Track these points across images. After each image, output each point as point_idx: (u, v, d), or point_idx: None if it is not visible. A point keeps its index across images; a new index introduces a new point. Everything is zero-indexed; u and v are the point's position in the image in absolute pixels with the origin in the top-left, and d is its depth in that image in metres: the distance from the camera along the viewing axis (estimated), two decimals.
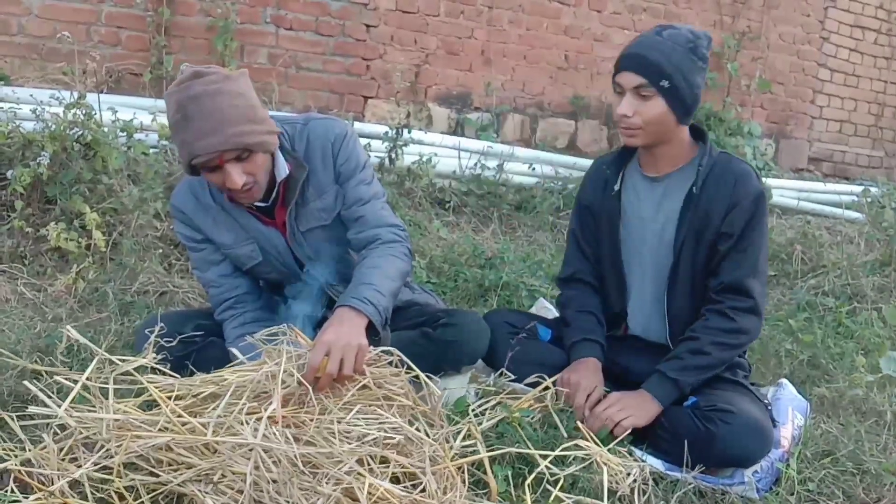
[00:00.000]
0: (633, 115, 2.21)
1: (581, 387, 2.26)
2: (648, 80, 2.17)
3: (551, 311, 2.93)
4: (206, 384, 1.94)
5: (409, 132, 4.56)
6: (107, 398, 1.79)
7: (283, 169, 2.24)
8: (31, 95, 3.42)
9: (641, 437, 2.19)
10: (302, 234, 2.34)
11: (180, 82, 2.05)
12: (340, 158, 2.33)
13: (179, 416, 1.78)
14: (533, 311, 2.97)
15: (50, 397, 1.74)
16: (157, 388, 1.87)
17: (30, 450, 1.72)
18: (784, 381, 2.62)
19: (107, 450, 1.70)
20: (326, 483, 1.66)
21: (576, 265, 2.53)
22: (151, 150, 3.64)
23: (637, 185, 2.40)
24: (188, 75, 2.05)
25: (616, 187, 2.40)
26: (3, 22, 4.27)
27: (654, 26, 2.26)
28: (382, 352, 2.06)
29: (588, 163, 5.11)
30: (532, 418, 2.11)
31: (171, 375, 1.97)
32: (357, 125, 4.46)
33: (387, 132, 4.45)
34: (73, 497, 1.63)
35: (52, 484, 1.63)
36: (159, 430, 1.74)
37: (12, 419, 1.78)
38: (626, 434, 2.14)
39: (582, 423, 2.18)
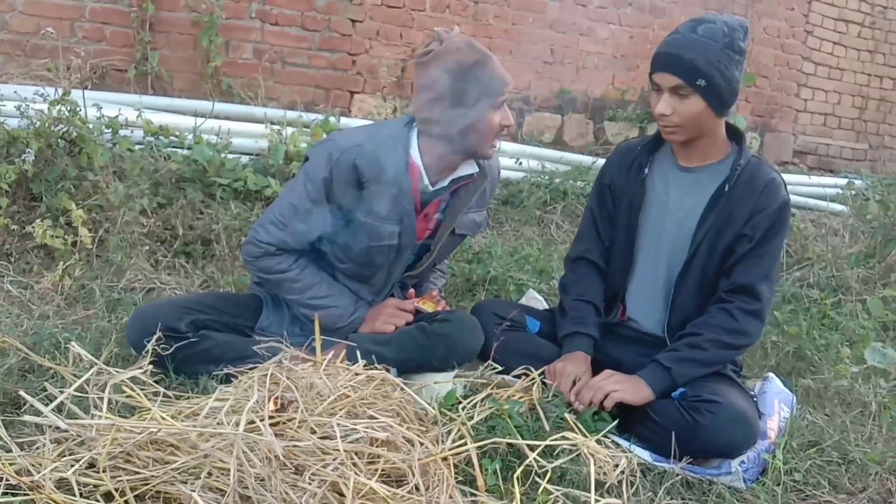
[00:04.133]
0: (671, 113, 2.22)
1: (567, 372, 2.28)
2: (685, 81, 2.18)
3: (540, 303, 2.94)
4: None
5: None
6: (100, 404, 1.82)
7: (472, 167, 2.45)
8: (16, 92, 3.39)
9: (628, 429, 2.21)
10: (450, 236, 2.52)
11: (450, 39, 2.32)
12: (495, 189, 2.68)
13: (165, 419, 1.81)
14: (522, 302, 2.98)
15: (46, 404, 1.76)
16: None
17: (20, 452, 1.73)
18: (771, 374, 2.64)
19: (96, 452, 1.71)
20: (311, 480, 1.67)
21: (587, 244, 2.55)
22: (137, 147, 3.63)
23: (667, 172, 2.41)
24: (454, 32, 2.35)
25: (645, 171, 2.41)
26: None
27: (689, 20, 2.25)
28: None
29: (574, 157, 5.22)
30: (520, 409, 2.12)
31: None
32: (343, 120, 4.45)
33: None
34: (60, 494, 1.63)
35: (42, 484, 1.63)
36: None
37: None
38: (612, 404, 2.18)
39: (569, 406, 2.21)
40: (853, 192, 5.81)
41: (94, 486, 1.68)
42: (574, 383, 2.27)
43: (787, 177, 6.24)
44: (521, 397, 2.21)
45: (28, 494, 1.63)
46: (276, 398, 1.86)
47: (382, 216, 2.38)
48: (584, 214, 2.63)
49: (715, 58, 2.16)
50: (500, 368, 2.36)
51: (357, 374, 2.05)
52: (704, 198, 2.33)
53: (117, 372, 1.98)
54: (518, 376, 2.32)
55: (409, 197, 2.39)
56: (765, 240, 2.27)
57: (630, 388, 2.21)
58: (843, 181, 6.16)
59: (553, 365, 2.34)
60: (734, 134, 2.38)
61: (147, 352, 2.09)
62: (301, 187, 2.38)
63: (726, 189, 2.29)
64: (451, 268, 3.45)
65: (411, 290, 2.59)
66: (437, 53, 2.31)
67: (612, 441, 2.16)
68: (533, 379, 2.28)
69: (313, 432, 1.81)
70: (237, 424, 1.70)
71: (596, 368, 2.35)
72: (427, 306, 2.52)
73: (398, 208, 2.39)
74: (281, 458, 1.68)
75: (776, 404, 2.41)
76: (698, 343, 2.26)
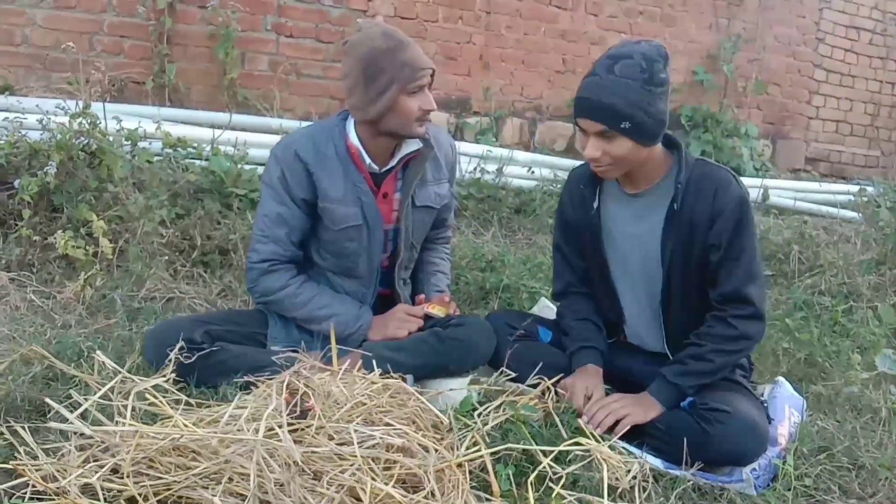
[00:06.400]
0: (601, 155, 2.18)
1: (577, 388, 2.30)
2: (608, 126, 2.13)
3: (553, 312, 2.96)
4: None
5: None
6: (124, 411, 1.87)
7: (416, 143, 2.50)
8: (37, 106, 3.46)
9: (639, 439, 2.23)
10: (413, 209, 2.56)
11: (367, 28, 2.42)
12: (455, 165, 2.75)
13: (187, 425, 1.85)
14: (535, 311, 3.01)
15: (71, 411, 1.81)
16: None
17: (47, 457, 1.77)
18: (781, 378, 2.66)
19: (120, 458, 1.75)
20: (329, 486, 1.71)
21: (566, 278, 2.57)
22: (155, 158, 3.69)
23: (616, 201, 2.39)
24: (374, 22, 2.40)
25: (595, 204, 2.39)
26: (8, 32, 4.32)
27: (606, 56, 2.17)
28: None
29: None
30: (535, 415, 2.15)
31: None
32: None
33: None
34: (84, 499, 1.68)
35: (67, 490, 1.68)
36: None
37: (25, 430, 1.84)
38: (624, 430, 2.19)
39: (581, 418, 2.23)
40: (865, 199, 5.81)
41: (118, 491, 1.71)
42: (587, 397, 2.30)
43: (798, 184, 6.30)
44: (535, 404, 2.24)
45: (54, 499, 1.68)
46: (291, 393, 1.91)
47: (339, 198, 2.45)
48: (553, 251, 2.63)
49: (636, 98, 2.10)
50: (513, 375, 2.38)
51: (374, 383, 2.09)
52: (659, 219, 2.30)
53: (140, 380, 2.02)
54: (532, 385, 2.35)
55: (358, 176, 2.47)
56: (734, 242, 2.22)
57: (640, 411, 2.23)
58: (855, 188, 6.16)
59: (565, 381, 2.36)
60: (671, 143, 2.33)
61: (169, 360, 2.14)
62: (265, 197, 2.49)
63: (675, 207, 2.25)
64: (465, 276, 3.49)
65: (421, 296, 2.63)
66: (352, 42, 2.42)
67: (624, 448, 2.18)
68: (547, 387, 2.31)
69: (331, 439, 1.84)
70: (257, 431, 1.74)
71: (606, 378, 2.38)
72: (437, 311, 2.55)
73: (352, 188, 2.46)
74: (300, 463, 1.71)
75: (786, 409, 2.43)
76: (702, 355, 2.26)
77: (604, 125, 2.13)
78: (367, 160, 2.47)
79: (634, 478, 1.98)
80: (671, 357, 2.38)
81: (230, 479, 1.73)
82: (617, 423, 2.21)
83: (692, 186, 2.25)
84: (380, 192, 2.52)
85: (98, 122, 3.29)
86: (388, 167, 2.51)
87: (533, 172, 4.99)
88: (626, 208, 2.37)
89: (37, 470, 1.73)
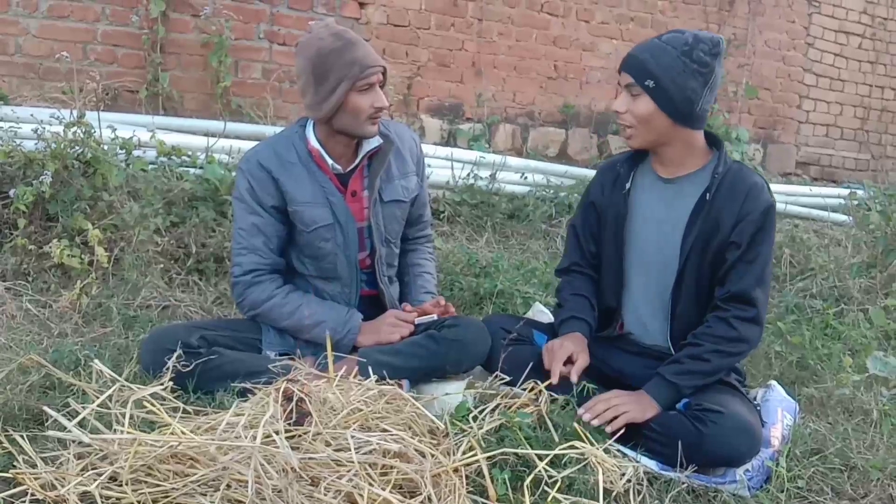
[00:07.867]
0: (625, 111, 2.30)
1: (564, 347, 2.35)
2: (635, 80, 2.26)
3: (547, 316, 2.98)
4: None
5: None
6: (122, 419, 1.88)
7: (374, 139, 2.52)
8: (32, 115, 3.47)
9: (635, 439, 2.24)
10: (381, 204, 2.57)
11: (317, 29, 2.42)
12: (422, 159, 2.75)
13: (185, 433, 1.86)
14: (528, 315, 3.02)
15: (69, 420, 1.82)
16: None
17: (45, 466, 1.78)
18: (773, 382, 2.68)
19: (118, 465, 1.76)
20: (327, 491, 1.72)
21: (573, 257, 2.61)
22: (150, 167, 3.70)
23: (649, 185, 2.44)
24: (323, 23, 2.47)
25: (627, 185, 2.44)
26: (1, 42, 4.33)
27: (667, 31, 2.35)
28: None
29: (579, 171, 5.28)
30: (529, 420, 2.16)
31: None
32: None
33: None
34: None
35: (66, 498, 1.69)
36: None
37: (23, 438, 1.85)
38: (621, 431, 2.20)
39: (557, 384, 2.28)
40: (855, 203, 5.83)
41: (117, 498, 1.73)
42: (570, 360, 2.33)
43: (789, 188, 6.33)
44: (529, 408, 2.25)
45: None
46: (288, 400, 1.92)
47: (307, 201, 2.49)
48: (568, 229, 2.68)
49: (667, 62, 2.23)
50: (508, 379, 2.39)
51: (369, 389, 2.10)
52: (687, 208, 2.35)
53: (138, 388, 2.03)
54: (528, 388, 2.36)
55: (323, 177, 2.51)
56: (753, 245, 2.29)
57: (637, 409, 2.24)
58: (846, 191, 6.18)
59: (550, 342, 2.40)
60: (714, 142, 2.41)
61: (167, 368, 2.15)
62: (238, 211, 2.53)
63: (707, 198, 2.32)
64: (459, 282, 3.51)
65: (406, 305, 2.64)
66: (302, 43, 2.45)
67: (619, 450, 2.20)
68: (540, 389, 2.32)
69: (328, 445, 1.86)
70: (254, 438, 1.75)
71: (599, 379, 2.38)
72: (430, 315, 2.57)
73: (319, 190, 2.50)
74: (297, 470, 1.73)
75: (779, 412, 2.44)
76: (700, 354, 2.28)
77: (631, 78, 2.27)
78: (330, 161, 2.50)
79: (629, 481, 1.99)
80: (672, 351, 2.40)
81: (228, 486, 1.74)
82: (615, 418, 2.22)
83: (726, 183, 2.32)
84: (347, 190, 2.54)
85: (92, 131, 3.30)
86: (353, 166, 2.54)
87: (526, 178, 5.01)
88: (656, 195, 2.42)
89: (35, 478, 1.74)
